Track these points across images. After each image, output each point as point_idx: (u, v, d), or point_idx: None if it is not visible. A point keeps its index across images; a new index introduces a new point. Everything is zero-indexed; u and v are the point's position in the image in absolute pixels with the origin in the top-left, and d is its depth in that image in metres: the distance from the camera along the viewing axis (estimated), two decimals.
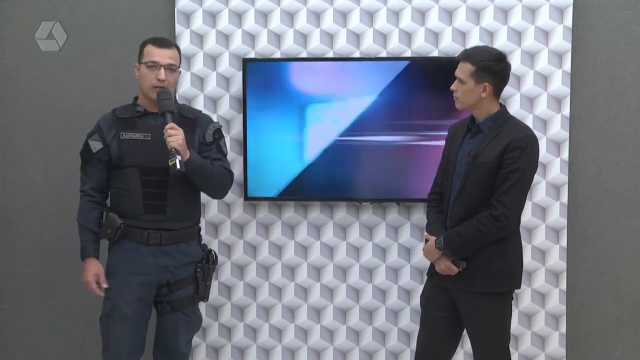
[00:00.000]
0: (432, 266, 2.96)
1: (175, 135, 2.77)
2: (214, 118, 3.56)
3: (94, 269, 2.91)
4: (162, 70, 2.87)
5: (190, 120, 2.98)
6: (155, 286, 2.93)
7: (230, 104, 3.58)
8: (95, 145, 2.92)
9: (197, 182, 2.92)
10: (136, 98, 3.00)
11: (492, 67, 2.75)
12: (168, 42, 2.96)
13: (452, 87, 2.82)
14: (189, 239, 3.00)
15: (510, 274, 2.84)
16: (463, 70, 2.78)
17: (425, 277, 3.07)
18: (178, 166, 2.73)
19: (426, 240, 2.94)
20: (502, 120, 2.80)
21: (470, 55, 2.79)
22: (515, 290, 3.54)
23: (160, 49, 2.89)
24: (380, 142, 3.46)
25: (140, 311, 2.92)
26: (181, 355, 3.05)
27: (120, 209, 2.92)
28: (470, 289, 2.81)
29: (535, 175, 3.47)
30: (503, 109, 2.84)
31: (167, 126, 2.78)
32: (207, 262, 3.05)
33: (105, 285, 2.90)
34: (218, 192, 3.07)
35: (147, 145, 2.90)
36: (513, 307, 3.54)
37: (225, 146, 3.10)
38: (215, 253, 3.10)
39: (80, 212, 2.97)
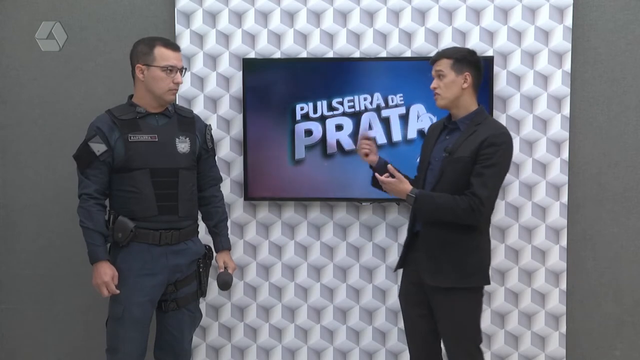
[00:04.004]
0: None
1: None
2: (214, 118, 3.58)
3: (111, 271, 2.85)
4: (179, 74, 2.90)
5: (189, 119, 3.03)
6: (164, 286, 2.94)
7: (230, 104, 3.58)
8: (99, 148, 2.85)
9: None
10: (130, 97, 2.97)
11: (469, 57, 2.84)
12: (176, 44, 2.98)
13: (433, 85, 2.87)
14: (193, 236, 3.03)
15: (481, 269, 2.86)
16: (442, 65, 2.84)
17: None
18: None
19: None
20: (479, 118, 2.84)
21: (445, 52, 2.87)
22: (515, 290, 3.55)
23: (174, 52, 2.91)
24: (381, 142, 3.47)
25: (148, 312, 2.93)
26: (185, 352, 3.06)
27: (129, 212, 2.88)
28: (442, 284, 2.81)
29: (535, 175, 3.50)
30: (481, 108, 2.89)
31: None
32: (207, 258, 3.09)
33: (117, 292, 2.86)
34: None
35: (155, 146, 2.89)
36: (513, 307, 3.55)
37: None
38: (210, 247, 3.14)
39: (85, 215, 2.86)
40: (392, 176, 2.84)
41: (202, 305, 3.62)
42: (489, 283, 2.89)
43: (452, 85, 2.81)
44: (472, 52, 2.87)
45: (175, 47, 2.94)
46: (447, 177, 2.80)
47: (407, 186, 2.84)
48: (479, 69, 2.85)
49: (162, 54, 2.88)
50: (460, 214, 2.73)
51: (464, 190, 2.75)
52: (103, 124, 2.89)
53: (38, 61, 3.66)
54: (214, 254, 3.15)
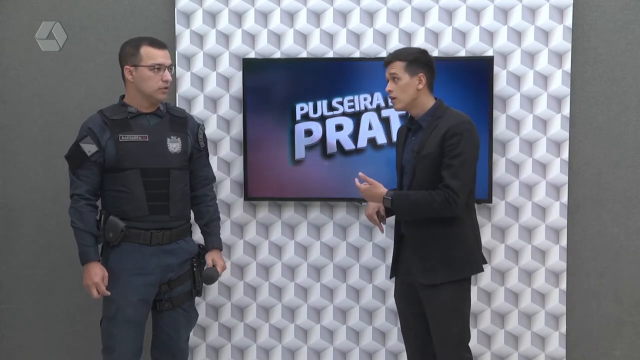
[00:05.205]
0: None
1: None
2: (214, 118, 3.58)
3: (101, 271, 2.86)
4: (167, 72, 2.90)
5: (182, 119, 3.03)
6: (157, 286, 2.94)
7: (230, 104, 3.58)
8: (90, 148, 2.86)
9: None
10: (122, 97, 2.98)
11: (421, 58, 2.86)
12: (162, 42, 2.96)
13: (388, 88, 2.88)
14: (185, 236, 3.03)
15: (470, 260, 2.87)
16: (395, 68, 2.85)
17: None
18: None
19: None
20: (440, 112, 2.87)
21: (397, 54, 2.88)
22: (515, 290, 3.55)
23: (160, 50, 2.91)
24: (381, 142, 3.47)
25: (142, 312, 2.93)
26: (182, 352, 3.06)
27: (120, 212, 2.89)
28: (435, 281, 2.82)
29: (535, 175, 3.49)
30: (439, 102, 2.91)
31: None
32: (201, 257, 3.09)
33: (107, 293, 2.87)
34: None
35: (146, 146, 2.90)
36: (513, 307, 3.55)
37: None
38: (204, 246, 3.13)
39: (76, 216, 2.87)
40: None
41: (202, 305, 3.63)
42: (481, 270, 2.91)
43: (408, 88, 2.84)
44: (424, 52, 2.89)
45: (162, 45, 2.93)
46: (419, 177, 2.84)
47: (382, 189, 2.88)
48: (432, 68, 2.88)
49: (148, 53, 2.88)
50: (437, 207, 2.75)
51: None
52: (94, 124, 2.89)
53: (38, 61, 3.66)
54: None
